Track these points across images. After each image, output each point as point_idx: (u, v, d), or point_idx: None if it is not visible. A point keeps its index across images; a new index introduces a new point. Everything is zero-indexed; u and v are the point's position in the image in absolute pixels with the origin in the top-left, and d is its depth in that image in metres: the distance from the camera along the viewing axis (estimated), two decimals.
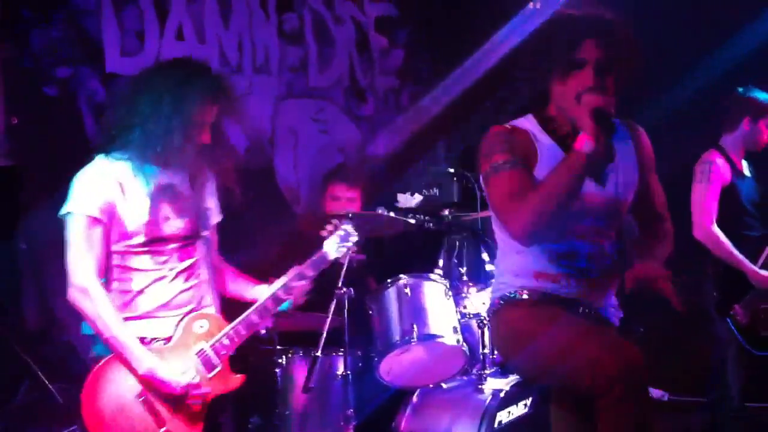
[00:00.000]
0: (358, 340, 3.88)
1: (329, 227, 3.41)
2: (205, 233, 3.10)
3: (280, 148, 5.44)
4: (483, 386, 3.76)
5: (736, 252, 4.28)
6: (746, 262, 4.28)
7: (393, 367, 3.84)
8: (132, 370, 2.85)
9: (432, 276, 4.01)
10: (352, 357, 3.80)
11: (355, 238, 3.43)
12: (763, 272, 4.30)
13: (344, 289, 3.67)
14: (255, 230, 4.68)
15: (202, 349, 3.00)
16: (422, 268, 4.14)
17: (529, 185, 2.54)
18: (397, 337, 3.78)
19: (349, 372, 3.69)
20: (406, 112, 5.91)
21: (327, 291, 3.80)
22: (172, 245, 2.98)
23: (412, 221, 4.26)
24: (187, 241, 3.02)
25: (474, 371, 3.89)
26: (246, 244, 3.98)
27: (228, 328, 3.06)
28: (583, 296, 2.67)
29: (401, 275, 3.93)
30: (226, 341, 3.04)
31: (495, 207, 2.62)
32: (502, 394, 3.65)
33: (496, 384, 3.74)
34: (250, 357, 4.03)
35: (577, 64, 2.54)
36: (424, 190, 4.91)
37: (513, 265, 2.73)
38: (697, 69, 5.07)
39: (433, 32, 5.99)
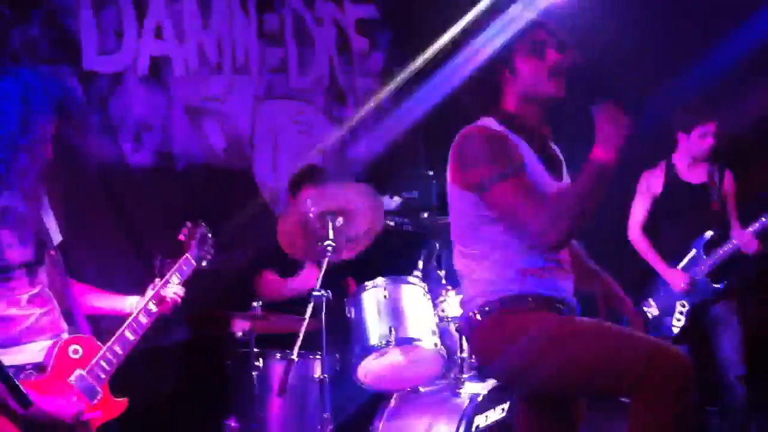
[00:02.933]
0: (335, 343, 3.86)
1: (185, 231, 3.34)
2: (51, 254, 2.94)
3: (260, 148, 5.40)
4: (460, 390, 3.75)
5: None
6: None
7: (370, 370, 3.82)
8: (14, 407, 2.54)
9: (410, 279, 4.00)
10: (330, 360, 3.78)
11: (213, 241, 3.37)
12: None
13: (322, 292, 3.65)
14: (234, 232, 4.65)
15: (80, 375, 2.83)
16: (401, 270, 4.12)
17: (538, 189, 2.60)
18: (374, 341, 3.77)
19: (326, 375, 3.66)
20: (387, 114, 5.90)
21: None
22: (20, 271, 2.81)
23: (391, 224, 4.26)
24: (35, 265, 2.86)
25: (451, 375, 3.88)
26: (225, 246, 3.94)
27: (103, 350, 2.90)
28: (564, 293, 2.70)
29: (379, 278, 3.92)
30: (103, 364, 2.88)
31: (518, 214, 2.57)
32: (479, 399, 3.64)
33: (473, 388, 3.73)
34: (226, 359, 4.01)
35: (542, 40, 2.70)
36: (403, 193, 4.90)
37: (494, 268, 2.70)
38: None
39: (415, 35, 5.97)
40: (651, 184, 4.91)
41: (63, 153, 2.98)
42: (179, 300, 3.14)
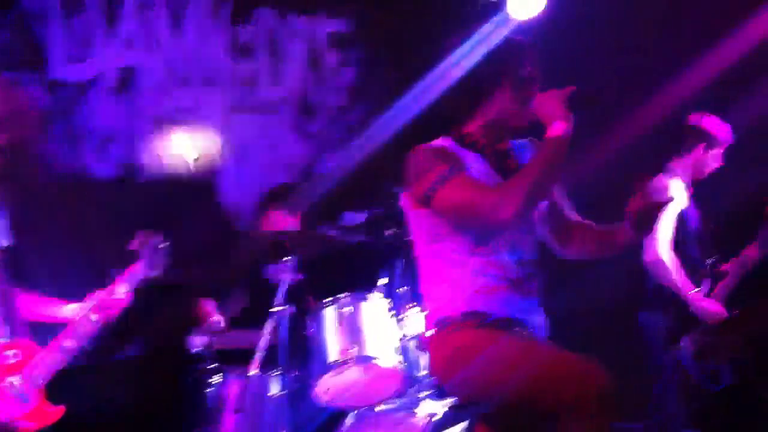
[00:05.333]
0: (295, 360, 3.82)
1: (138, 240, 3.31)
2: None
3: (226, 162, 5.37)
4: (418, 409, 3.72)
5: (681, 280, 4.29)
6: (691, 291, 4.30)
7: (330, 387, 3.77)
8: None
9: (373, 295, 3.96)
10: (288, 377, 3.73)
11: (165, 251, 3.33)
12: (706, 302, 4.32)
13: (282, 308, 3.62)
14: (196, 245, 4.61)
15: (15, 381, 2.80)
16: (364, 287, 4.09)
17: (482, 182, 2.65)
18: (334, 357, 3.73)
19: (284, 392, 3.62)
20: (357, 130, 5.89)
21: (265, 309, 3.76)
22: None
23: (355, 240, 4.23)
24: None
25: (410, 393, 3.85)
26: (186, 259, 3.90)
27: (41, 356, 2.87)
28: (519, 313, 2.71)
29: (342, 294, 3.88)
30: (40, 371, 2.85)
31: (466, 204, 2.61)
32: (436, 418, 3.61)
33: (431, 407, 3.70)
34: (181, 375, 3.96)
35: (528, 77, 2.77)
36: (369, 209, 4.88)
37: (451, 287, 2.72)
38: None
39: (387, 52, 5.98)
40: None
41: (22, 159, 2.95)
42: (118, 310, 3.09)
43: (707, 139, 4.49)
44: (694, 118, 4.54)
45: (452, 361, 2.69)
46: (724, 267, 4.46)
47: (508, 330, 2.67)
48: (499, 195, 2.56)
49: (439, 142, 2.80)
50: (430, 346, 2.85)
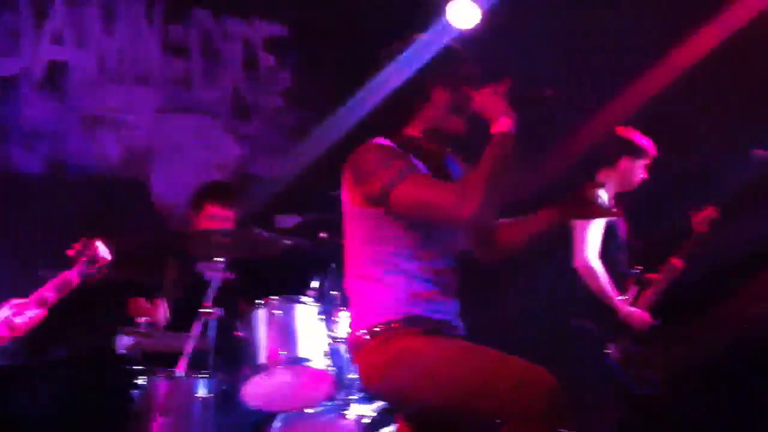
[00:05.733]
0: (223, 362, 3.78)
1: (77, 246, 3.22)
2: None
3: (158, 161, 5.29)
4: (347, 412, 3.71)
5: (610, 289, 4.37)
6: (619, 299, 4.38)
7: (258, 390, 3.74)
8: None
9: (304, 299, 3.95)
10: (216, 379, 3.68)
11: (106, 260, 3.27)
12: (633, 310, 4.41)
13: (211, 309, 3.57)
14: (127, 244, 4.52)
15: None
16: (295, 290, 4.07)
17: (440, 181, 2.65)
18: (263, 360, 3.69)
19: (211, 395, 3.56)
20: (291, 133, 5.87)
21: (194, 310, 3.70)
22: None
23: (288, 242, 4.20)
24: None
25: (340, 397, 3.84)
26: (117, 259, 3.82)
27: None
28: (453, 318, 2.71)
29: (272, 297, 3.85)
30: None
31: (428, 201, 2.58)
32: (366, 421, 3.61)
33: (360, 410, 3.70)
34: (108, 376, 3.88)
35: (465, 84, 2.76)
36: (302, 212, 4.86)
37: (385, 291, 2.68)
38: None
39: (324, 56, 5.97)
40: None
41: None
42: (41, 317, 3.00)
43: (632, 151, 4.58)
44: (620, 130, 4.63)
45: (382, 364, 2.65)
46: (650, 276, 4.57)
47: (448, 334, 2.67)
48: (460, 193, 2.55)
49: (382, 141, 2.75)
50: (359, 350, 2.77)
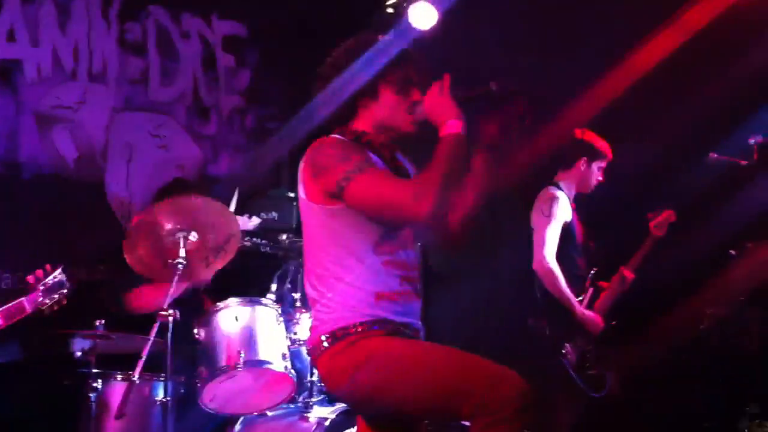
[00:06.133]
0: (182, 365, 3.72)
1: (39, 273, 3.14)
2: None
3: (113, 161, 5.20)
4: (309, 414, 3.69)
5: (567, 290, 4.40)
6: (575, 301, 4.41)
7: (218, 393, 3.70)
8: None
9: (264, 301, 3.92)
10: (174, 382, 3.62)
11: (64, 293, 3.21)
12: (588, 313, 4.45)
13: (169, 312, 3.51)
14: (80, 244, 4.46)
15: None
16: (255, 292, 4.04)
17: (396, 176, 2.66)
18: (223, 363, 3.66)
19: (169, 398, 3.51)
20: (251, 133, 5.82)
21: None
22: None
23: (248, 244, 4.17)
24: None
25: (300, 399, 3.82)
26: (70, 258, 3.74)
27: None
28: (413, 319, 2.70)
29: (232, 299, 3.81)
30: None
31: (385, 196, 2.57)
32: (327, 423, 3.59)
33: (321, 412, 3.69)
34: (63, 380, 3.81)
35: (413, 82, 2.78)
36: (262, 213, 4.82)
37: (349, 290, 2.65)
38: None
39: (284, 55, 5.93)
40: (564, 207, 4.53)
41: None
42: None
43: (589, 153, 4.62)
44: (578, 132, 4.67)
45: (345, 367, 2.62)
46: (602, 284, 4.61)
47: (401, 335, 2.65)
48: (417, 188, 2.55)
49: (339, 137, 2.75)
50: (321, 353, 2.71)
